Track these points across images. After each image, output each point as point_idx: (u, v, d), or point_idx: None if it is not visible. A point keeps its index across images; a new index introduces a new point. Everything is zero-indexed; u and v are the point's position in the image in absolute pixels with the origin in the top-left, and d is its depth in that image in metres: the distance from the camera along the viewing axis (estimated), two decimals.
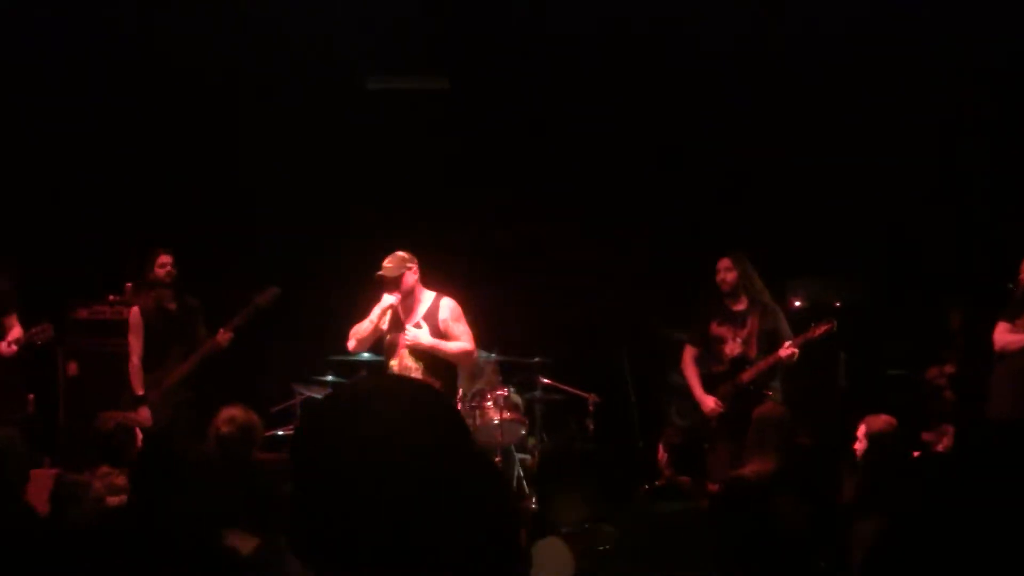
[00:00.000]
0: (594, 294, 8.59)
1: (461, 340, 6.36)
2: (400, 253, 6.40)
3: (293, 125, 8.39)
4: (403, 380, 1.61)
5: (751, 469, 4.97)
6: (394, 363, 6.41)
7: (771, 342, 6.83)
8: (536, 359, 8.19)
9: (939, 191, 8.32)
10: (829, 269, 7.99)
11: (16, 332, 6.85)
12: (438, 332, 6.35)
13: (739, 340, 6.92)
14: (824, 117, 8.33)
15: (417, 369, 6.32)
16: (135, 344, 7.11)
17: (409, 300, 6.40)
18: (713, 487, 6.35)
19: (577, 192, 8.78)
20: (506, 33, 7.78)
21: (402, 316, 6.41)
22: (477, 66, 8.19)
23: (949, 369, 7.98)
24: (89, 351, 7.88)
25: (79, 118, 8.24)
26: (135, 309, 7.20)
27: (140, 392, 7.02)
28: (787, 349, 6.75)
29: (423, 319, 6.38)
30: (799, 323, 7.01)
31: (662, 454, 6.18)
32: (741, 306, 6.99)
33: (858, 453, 5.62)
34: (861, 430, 5.66)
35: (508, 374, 8.31)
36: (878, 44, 7.74)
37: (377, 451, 1.40)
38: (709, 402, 6.91)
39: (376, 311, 6.35)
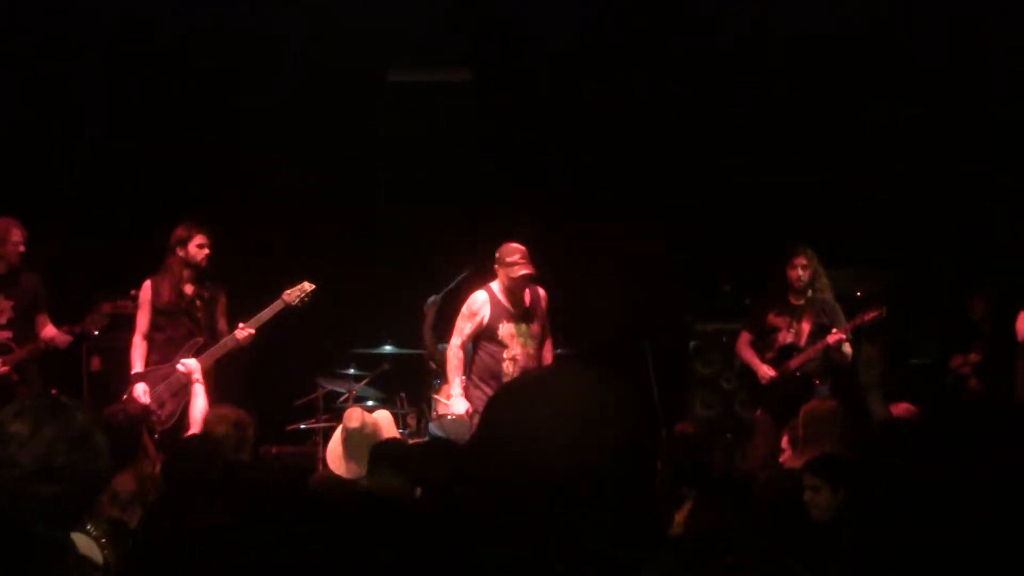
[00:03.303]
0: (617, 284, 8.56)
1: None
2: None
3: (314, 118, 8.39)
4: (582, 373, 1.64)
5: (801, 463, 4.92)
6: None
7: (825, 335, 6.82)
8: (558, 350, 8.15)
9: (960, 179, 8.31)
10: (851, 260, 7.96)
11: (49, 330, 6.74)
12: None
13: (792, 331, 6.93)
14: (844, 109, 8.34)
15: None
16: (140, 320, 6.72)
17: None
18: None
19: (599, 182, 8.76)
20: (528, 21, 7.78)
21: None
22: (500, 56, 8.17)
23: (974, 358, 7.98)
24: (113, 345, 7.74)
25: (104, 111, 8.28)
26: (147, 282, 6.74)
27: (136, 369, 6.62)
28: (834, 336, 6.74)
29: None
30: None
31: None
32: (801, 300, 6.97)
33: None
34: None
35: None
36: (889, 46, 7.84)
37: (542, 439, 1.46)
38: (765, 369, 6.92)
39: None
